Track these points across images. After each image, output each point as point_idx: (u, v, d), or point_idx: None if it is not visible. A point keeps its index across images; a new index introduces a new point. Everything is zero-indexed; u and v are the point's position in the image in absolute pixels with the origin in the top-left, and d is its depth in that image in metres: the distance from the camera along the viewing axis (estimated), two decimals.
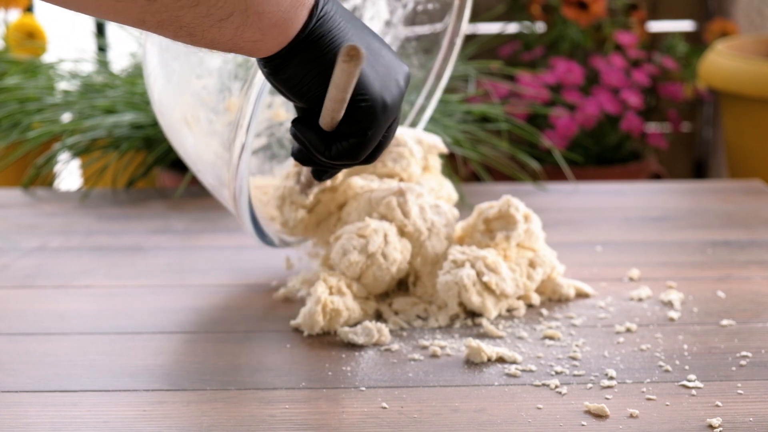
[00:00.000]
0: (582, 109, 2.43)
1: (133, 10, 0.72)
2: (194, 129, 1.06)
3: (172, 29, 0.75)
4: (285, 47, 0.79)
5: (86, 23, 2.37)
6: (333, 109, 0.80)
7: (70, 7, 0.73)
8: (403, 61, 0.88)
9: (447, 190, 1.12)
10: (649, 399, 0.85)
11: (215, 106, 1.07)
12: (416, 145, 1.11)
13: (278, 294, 1.07)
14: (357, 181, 1.08)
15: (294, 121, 0.85)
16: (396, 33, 1.17)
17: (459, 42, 1.17)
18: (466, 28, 1.15)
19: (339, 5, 0.82)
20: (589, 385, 0.88)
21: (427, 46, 1.20)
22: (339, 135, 0.84)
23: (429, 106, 1.23)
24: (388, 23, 1.16)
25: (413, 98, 1.21)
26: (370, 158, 0.86)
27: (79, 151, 1.58)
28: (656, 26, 2.77)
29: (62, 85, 1.74)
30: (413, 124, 1.24)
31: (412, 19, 1.18)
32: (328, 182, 1.07)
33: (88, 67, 1.81)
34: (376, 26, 1.15)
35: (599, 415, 0.83)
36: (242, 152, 0.97)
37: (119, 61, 1.97)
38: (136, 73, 1.74)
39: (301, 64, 0.80)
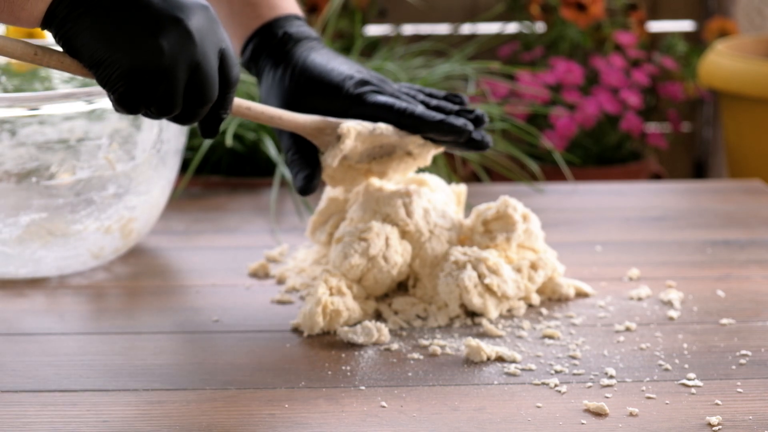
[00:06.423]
0: (582, 109, 2.43)
1: None
2: None
3: None
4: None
5: None
6: None
7: None
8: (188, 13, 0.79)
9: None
10: (648, 398, 0.85)
11: None
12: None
13: (278, 294, 1.07)
14: (374, 182, 1.08)
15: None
16: None
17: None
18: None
19: None
20: (589, 383, 0.88)
21: None
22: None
23: None
24: None
25: None
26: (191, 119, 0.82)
27: None
28: (656, 26, 2.77)
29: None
30: None
31: None
32: (347, 142, 1.00)
33: None
34: None
35: (599, 414, 0.83)
36: None
37: None
38: None
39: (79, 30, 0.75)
